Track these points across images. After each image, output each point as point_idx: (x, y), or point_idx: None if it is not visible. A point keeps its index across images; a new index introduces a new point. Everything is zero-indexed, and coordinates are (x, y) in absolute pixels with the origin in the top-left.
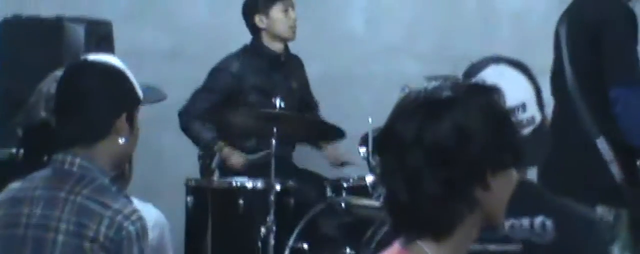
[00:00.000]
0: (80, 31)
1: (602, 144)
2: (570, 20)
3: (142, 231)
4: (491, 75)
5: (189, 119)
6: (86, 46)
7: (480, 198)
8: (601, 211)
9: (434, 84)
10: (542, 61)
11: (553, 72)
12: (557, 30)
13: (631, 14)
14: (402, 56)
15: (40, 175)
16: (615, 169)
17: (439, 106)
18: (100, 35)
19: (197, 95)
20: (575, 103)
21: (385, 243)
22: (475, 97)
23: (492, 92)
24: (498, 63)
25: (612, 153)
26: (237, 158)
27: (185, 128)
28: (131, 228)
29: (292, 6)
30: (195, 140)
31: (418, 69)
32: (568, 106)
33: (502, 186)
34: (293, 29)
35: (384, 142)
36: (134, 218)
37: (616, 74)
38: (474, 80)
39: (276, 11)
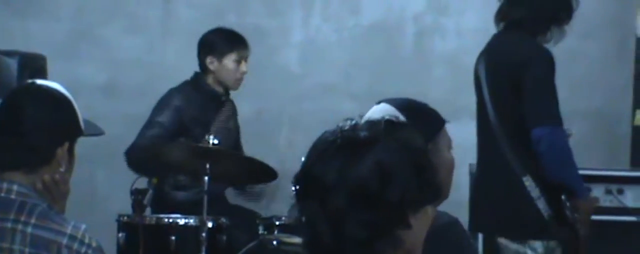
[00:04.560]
0: (13, 64)
1: (528, 182)
2: (489, 60)
3: (99, 252)
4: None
5: (137, 154)
6: (19, 79)
7: (402, 237)
8: (534, 245)
9: (348, 123)
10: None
11: (477, 112)
12: (476, 70)
13: (549, 55)
14: (337, 95)
15: None
16: (542, 205)
17: (358, 146)
18: (34, 68)
19: (142, 132)
20: (500, 143)
21: None
22: (392, 135)
23: (406, 129)
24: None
25: (538, 190)
26: None
27: (136, 164)
28: (90, 252)
29: (246, 59)
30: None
31: (353, 108)
32: (493, 145)
33: (422, 223)
34: (239, 81)
35: (304, 186)
36: (87, 240)
37: (538, 114)
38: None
39: (229, 60)
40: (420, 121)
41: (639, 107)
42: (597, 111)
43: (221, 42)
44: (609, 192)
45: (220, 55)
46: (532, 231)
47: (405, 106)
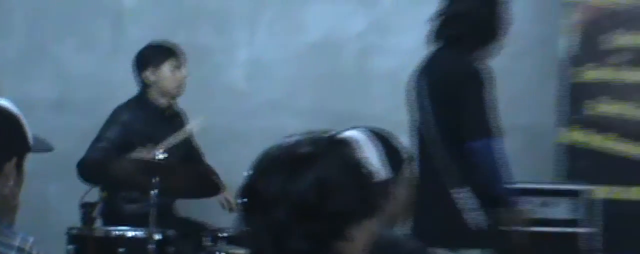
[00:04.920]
0: None
1: (467, 193)
2: (430, 76)
3: None
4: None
5: (88, 166)
6: None
7: (344, 249)
8: None
9: (292, 139)
10: None
11: (413, 127)
12: (414, 85)
13: (476, 71)
14: (282, 112)
15: None
16: (480, 216)
17: (299, 162)
18: None
19: (93, 145)
20: (437, 156)
21: None
22: (334, 151)
23: (349, 145)
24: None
25: (477, 201)
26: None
27: (87, 176)
28: None
29: (184, 64)
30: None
31: (298, 125)
32: (429, 159)
33: (363, 236)
34: (181, 87)
35: (248, 200)
36: (35, 253)
37: (471, 128)
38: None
39: (166, 67)
40: (391, 152)
41: (562, 125)
42: (527, 127)
43: (153, 54)
44: (537, 204)
45: (155, 66)
46: (468, 241)
47: (378, 135)
